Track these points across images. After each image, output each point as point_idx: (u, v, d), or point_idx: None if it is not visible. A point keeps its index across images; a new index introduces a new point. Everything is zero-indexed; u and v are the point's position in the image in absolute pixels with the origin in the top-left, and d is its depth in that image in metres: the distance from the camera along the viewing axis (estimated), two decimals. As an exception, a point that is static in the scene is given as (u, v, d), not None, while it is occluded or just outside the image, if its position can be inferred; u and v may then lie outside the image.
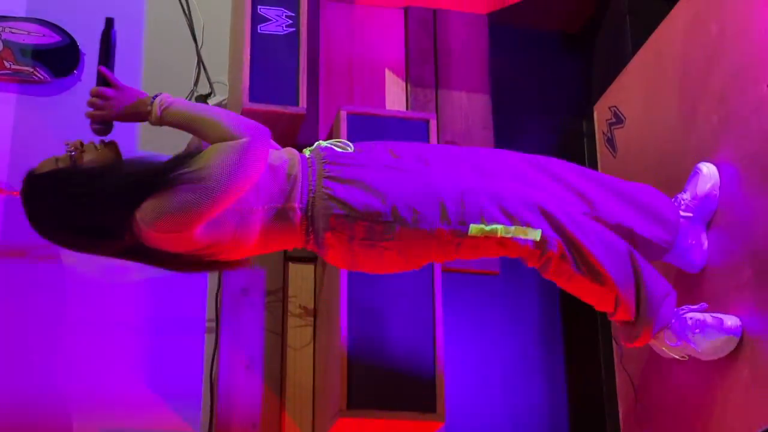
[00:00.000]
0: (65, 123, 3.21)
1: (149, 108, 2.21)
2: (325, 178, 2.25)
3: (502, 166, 2.37)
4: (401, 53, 3.54)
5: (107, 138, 2.29)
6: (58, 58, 3.31)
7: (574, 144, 3.45)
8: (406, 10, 3.58)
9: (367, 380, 2.80)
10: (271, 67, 3.06)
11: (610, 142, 3.08)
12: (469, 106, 3.49)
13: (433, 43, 3.57)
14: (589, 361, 3.21)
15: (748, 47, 2.41)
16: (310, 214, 2.24)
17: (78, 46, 3.32)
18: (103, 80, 2.28)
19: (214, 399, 3.04)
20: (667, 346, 2.41)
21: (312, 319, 3.19)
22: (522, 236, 2.23)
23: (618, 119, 3.01)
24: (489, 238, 2.23)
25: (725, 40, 2.50)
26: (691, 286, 2.53)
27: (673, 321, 2.37)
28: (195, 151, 2.17)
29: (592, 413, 3.19)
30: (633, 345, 2.44)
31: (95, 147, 2.25)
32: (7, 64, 3.24)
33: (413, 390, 2.81)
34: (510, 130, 3.49)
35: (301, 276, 3.23)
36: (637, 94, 2.93)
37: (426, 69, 3.54)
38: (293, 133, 3.12)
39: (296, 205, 2.23)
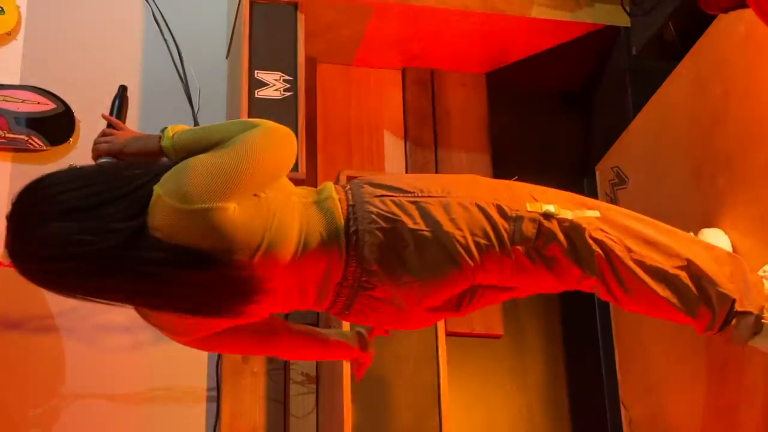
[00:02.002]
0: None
1: (160, 134, 1.99)
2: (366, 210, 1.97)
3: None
4: (400, 114, 3.53)
5: None
6: (53, 125, 3.29)
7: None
8: (404, 71, 3.58)
9: (373, 449, 2.76)
10: (269, 131, 3.04)
11: (614, 203, 3.05)
12: (469, 165, 3.47)
13: (431, 103, 3.56)
14: (596, 427, 3.15)
15: (754, 109, 2.39)
16: (353, 242, 1.95)
17: (73, 113, 3.30)
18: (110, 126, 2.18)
19: (216, 471, 2.99)
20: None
21: (315, 386, 3.14)
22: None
23: (621, 180, 2.99)
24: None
25: (729, 101, 2.48)
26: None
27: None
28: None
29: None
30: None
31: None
32: (1, 133, 3.22)
33: (422, 457, 2.77)
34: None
35: (302, 342, 3.18)
36: (640, 155, 2.91)
37: (425, 129, 3.53)
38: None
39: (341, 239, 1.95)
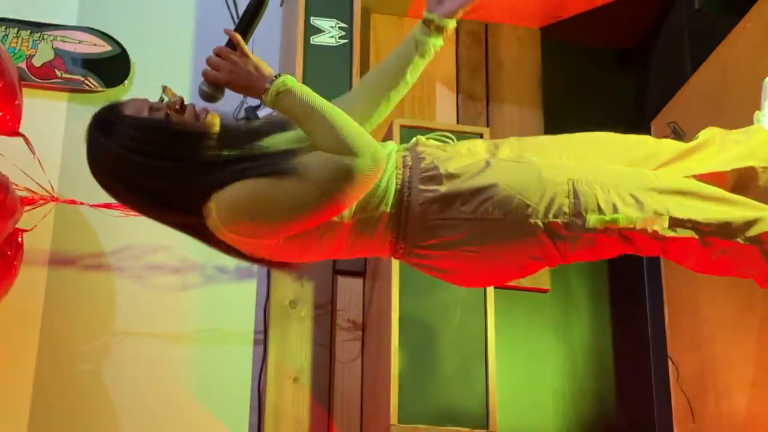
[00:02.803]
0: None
1: (268, 86, 1.93)
2: (422, 179, 1.99)
3: (598, 149, 2.15)
4: (452, 66, 3.52)
5: (212, 107, 1.99)
6: (109, 67, 3.31)
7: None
8: (458, 23, 3.54)
9: (417, 396, 2.77)
10: (323, 77, 3.04)
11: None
12: (520, 120, 3.45)
13: (484, 56, 3.55)
14: (641, 384, 3.15)
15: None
16: (403, 221, 1.98)
17: (128, 55, 3.32)
18: (231, 46, 2.00)
19: (262, 411, 3.01)
20: None
21: (360, 333, 3.16)
22: (647, 226, 1.96)
23: (678, 135, 2.96)
24: (610, 230, 1.96)
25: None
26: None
27: None
28: (301, 151, 1.91)
29: (646, 434, 3.14)
30: None
31: (195, 112, 1.96)
32: (58, 72, 3.25)
33: (465, 406, 2.78)
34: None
35: (349, 289, 3.20)
36: (699, 111, 2.88)
37: (477, 82, 3.52)
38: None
39: (387, 211, 1.97)
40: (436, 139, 2.14)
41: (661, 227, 1.98)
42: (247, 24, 2.03)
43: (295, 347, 3.10)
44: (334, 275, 3.20)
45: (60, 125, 3.20)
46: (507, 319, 3.17)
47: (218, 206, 1.87)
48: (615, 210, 1.97)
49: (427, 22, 2.12)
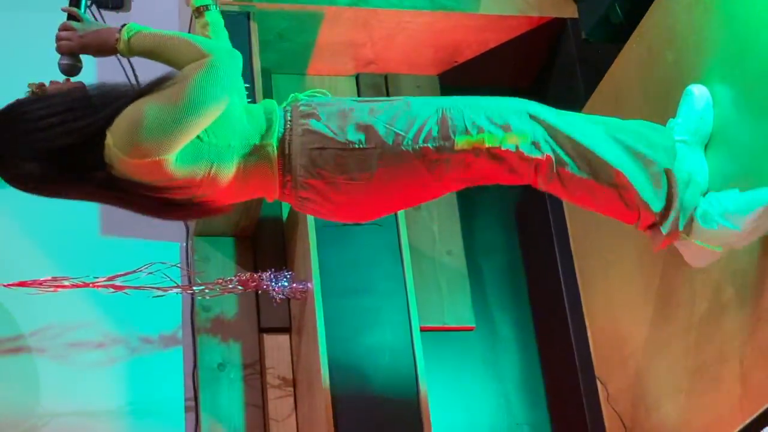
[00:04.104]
0: (27, 214, 3.17)
1: (117, 36, 2.16)
2: (300, 116, 2.19)
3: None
4: (357, 119, 3.57)
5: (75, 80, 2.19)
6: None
7: (538, 202, 3.48)
8: (357, 77, 3.63)
9: (356, 444, 2.76)
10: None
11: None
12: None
13: (387, 106, 3.61)
14: (574, 409, 3.19)
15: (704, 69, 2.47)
16: (287, 152, 2.16)
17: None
18: (71, 18, 2.23)
19: (199, 479, 2.97)
20: (701, 240, 2.24)
21: (292, 389, 3.14)
22: (513, 143, 2.14)
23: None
24: (478, 150, 2.13)
25: (682, 66, 2.56)
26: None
27: (699, 206, 2.24)
28: (165, 76, 2.09)
29: (584, 459, 3.17)
30: (664, 245, 2.28)
31: (59, 83, 2.16)
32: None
33: (403, 448, 2.78)
34: (472, 208, 3.52)
35: (277, 346, 3.18)
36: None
37: (383, 132, 3.57)
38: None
39: (272, 142, 2.16)
40: (313, 95, 2.31)
41: (526, 145, 2.15)
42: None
43: (227, 410, 3.07)
44: (260, 334, 3.18)
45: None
46: (436, 360, 3.19)
47: (113, 137, 2.03)
48: (481, 131, 2.14)
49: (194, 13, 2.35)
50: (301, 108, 2.22)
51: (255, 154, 2.17)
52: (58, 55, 2.22)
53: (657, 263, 2.64)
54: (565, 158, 2.18)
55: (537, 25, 3.48)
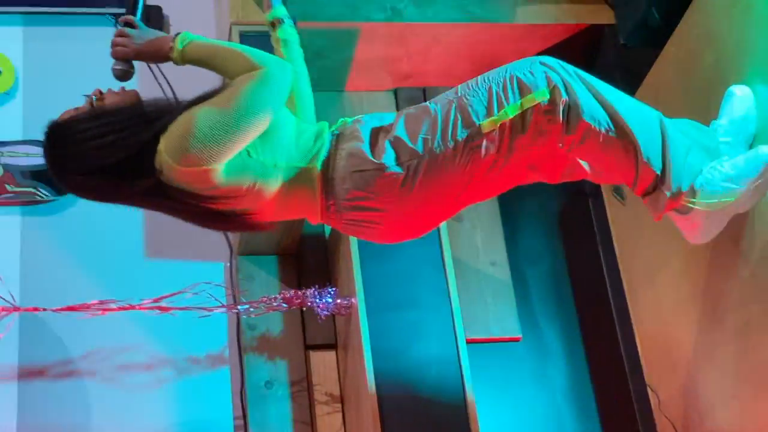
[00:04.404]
0: (72, 239, 3.23)
1: (171, 44, 2.18)
2: (345, 140, 2.22)
3: None
4: (397, 133, 3.57)
5: (128, 86, 2.25)
6: (57, 175, 3.32)
7: (581, 208, 3.46)
8: (396, 92, 3.63)
9: (405, 456, 2.75)
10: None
11: (618, 190, 3.09)
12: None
13: (426, 119, 3.60)
14: (624, 416, 3.15)
15: (746, 69, 2.44)
16: (330, 176, 2.19)
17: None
18: (127, 25, 2.27)
19: (251, 497, 2.97)
20: (705, 204, 2.23)
21: (340, 405, 3.14)
22: (532, 103, 2.13)
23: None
24: (505, 126, 2.13)
25: (722, 67, 2.53)
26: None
27: (702, 173, 2.23)
28: (218, 88, 2.13)
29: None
30: (662, 214, 2.27)
31: (115, 93, 2.21)
32: (9, 187, 3.26)
33: (453, 462, 2.76)
34: (515, 217, 3.51)
35: (323, 363, 3.19)
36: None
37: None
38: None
39: (316, 165, 2.19)
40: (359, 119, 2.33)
41: (545, 99, 2.14)
42: (133, 7, 2.28)
43: (276, 428, 3.07)
44: (305, 351, 3.19)
45: (16, 236, 3.21)
46: (484, 372, 3.17)
47: (166, 145, 2.07)
48: (501, 105, 2.15)
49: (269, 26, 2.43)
50: (347, 131, 2.24)
51: (299, 176, 2.20)
52: (112, 61, 2.26)
53: (704, 266, 2.60)
54: (581, 102, 2.16)
55: (574, 33, 3.45)
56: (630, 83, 3.16)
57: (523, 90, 2.16)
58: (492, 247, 3.44)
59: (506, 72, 2.21)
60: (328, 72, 3.51)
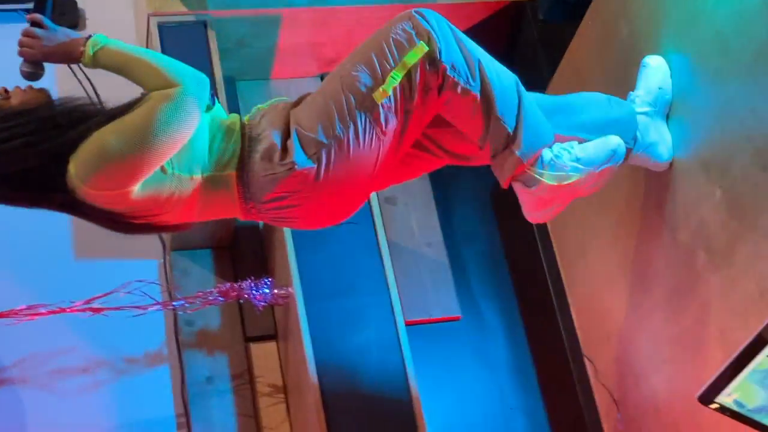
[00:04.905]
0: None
1: (82, 48, 2.09)
2: (256, 140, 2.18)
3: None
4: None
5: (37, 85, 2.16)
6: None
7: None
8: (323, 77, 3.60)
9: (351, 443, 2.76)
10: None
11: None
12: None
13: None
14: (564, 386, 3.19)
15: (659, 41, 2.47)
16: (245, 179, 2.17)
17: None
18: (34, 24, 2.16)
19: (197, 494, 2.96)
20: (549, 177, 2.25)
21: (283, 395, 3.13)
22: (416, 58, 2.12)
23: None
24: (396, 90, 2.12)
25: (637, 40, 2.55)
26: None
27: (548, 150, 2.25)
28: (133, 102, 2.06)
29: (579, 438, 3.16)
30: (509, 180, 2.29)
31: (23, 91, 2.12)
32: None
33: (397, 443, 2.78)
34: (448, 198, 3.52)
35: (264, 354, 3.18)
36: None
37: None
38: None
39: (232, 173, 2.16)
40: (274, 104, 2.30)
41: (422, 52, 2.13)
42: (41, 4, 2.18)
43: (220, 423, 3.05)
44: (246, 344, 3.17)
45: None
46: (425, 353, 3.19)
47: (76, 166, 2.01)
48: (386, 72, 2.13)
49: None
50: (257, 129, 2.20)
51: (216, 182, 2.18)
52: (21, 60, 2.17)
53: (631, 236, 2.64)
54: (444, 49, 2.15)
55: (496, 11, 3.47)
56: (553, 58, 3.19)
57: (401, 49, 2.14)
58: (427, 228, 3.45)
59: (381, 35, 2.17)
60: (253, 61, 3.48)
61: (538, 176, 2.25)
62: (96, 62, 2.10)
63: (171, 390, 3.10)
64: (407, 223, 3.46)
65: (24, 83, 2.17)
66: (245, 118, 2.28)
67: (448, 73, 2.15)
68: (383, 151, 2.19)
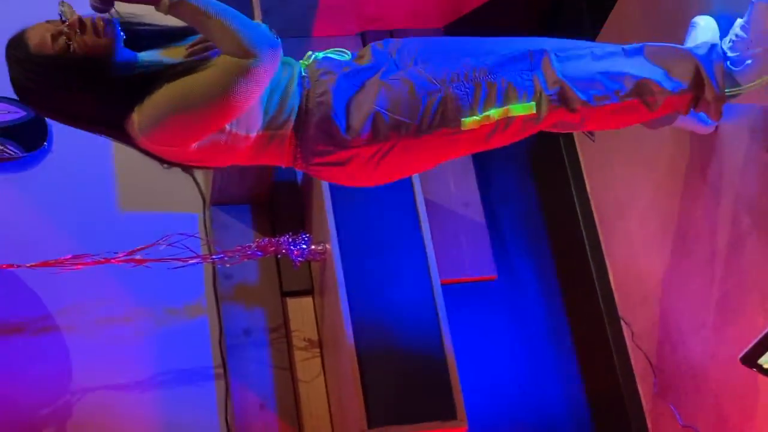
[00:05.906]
0: (43, 195, 3.21)
1: None
2: (316, 95, 2.14)
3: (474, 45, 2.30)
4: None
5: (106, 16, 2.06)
6: (26, 132, 3.30)
7: (552, 146, 3.47)
8: (364, 35, 3.61)
9: (384, 398, 2.78)
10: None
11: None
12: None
13: (395, 62, 3.59)
14: (600, 348, 3.19)
15: None
16: (300, 138, 2.15)
17: (43, 117, 3.31)
18: None
19: (233, 443, 3.01)
20: (749, 81, 2.18)
21: (318, 350, 3.17)
22: (516, 113, 2.14)
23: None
24: (486, 126, 2.13)
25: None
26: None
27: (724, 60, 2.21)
28: (202, 60, 2.03)
29: (612, 399, 3.17)
30: (722, 103, 2.19)
31: (95, 27, 2.02)
32: (-23, 145, 3.24)
33: (431, 400, 2.79)
34: (486, 157, 3.52)
35: (300, 309, 3.21)
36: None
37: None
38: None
39: (287, 130, 2.14)
40: (331, 56, 2.28)
41: (527, 112, 2.15)
42: None
43: (256, 375, 3.10)
44: (282, 298, 3.21)
45: (-13, 195, 3.20)
46: (460, 312, 3.20)
47: (140, 119, 2.02)
48: (487, 106, 2.13)
49: None
50: (317, 87, 2.16)
51: (270, 138, 2.15)
52: None
53: (672, 199, 2.63)
54: (576, 96, 2.16)
55: (541, -29, 3.44)
56: (599, 15, 3.16)
57: (509, 97, 2.13)
58: (464, 188, 3.45)
59: (498, 68, 2.15)
60: (294, 18, 3.47)
61: (748, 87, 2.19)
62: (172, 11, 2.01)
63: (209, 341, 3.15)
64: (445, 182, 3.46)
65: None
66: (302, 66, 2.23)
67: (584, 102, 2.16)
68: (443, 159, 2.23)
